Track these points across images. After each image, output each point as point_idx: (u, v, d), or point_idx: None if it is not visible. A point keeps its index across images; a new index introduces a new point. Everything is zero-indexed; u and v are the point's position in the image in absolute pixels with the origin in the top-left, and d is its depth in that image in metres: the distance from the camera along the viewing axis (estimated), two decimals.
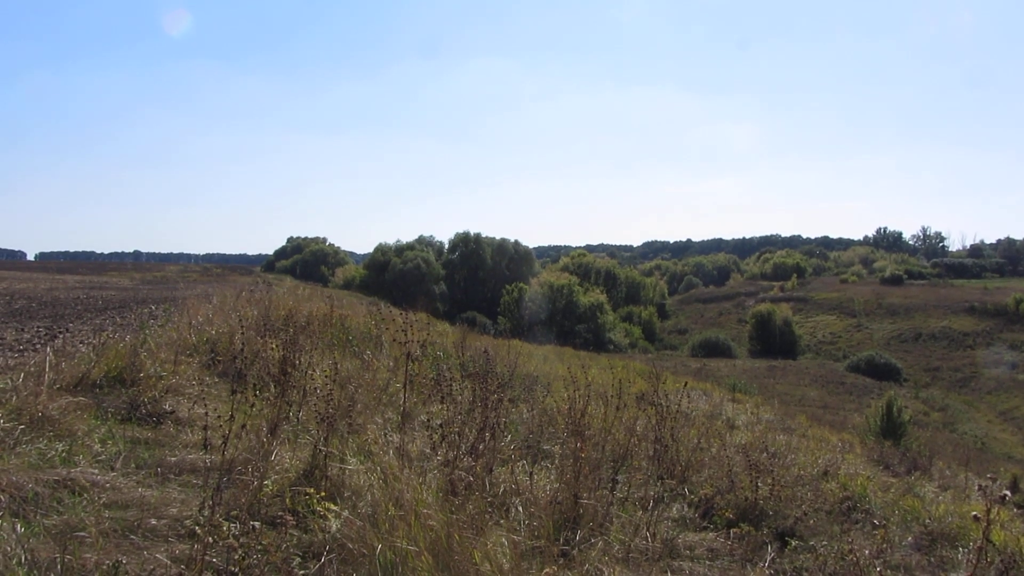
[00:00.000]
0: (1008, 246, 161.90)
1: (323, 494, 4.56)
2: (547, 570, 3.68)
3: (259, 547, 3.51)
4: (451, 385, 6.06)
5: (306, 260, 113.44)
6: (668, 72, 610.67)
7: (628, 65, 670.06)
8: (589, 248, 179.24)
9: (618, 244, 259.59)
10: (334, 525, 4.18)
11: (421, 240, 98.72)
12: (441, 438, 5.24)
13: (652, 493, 6.09)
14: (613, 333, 73.60)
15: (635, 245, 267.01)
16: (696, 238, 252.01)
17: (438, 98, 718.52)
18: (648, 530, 5.20)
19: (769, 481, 6.87)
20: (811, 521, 6.47)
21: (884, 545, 6.41)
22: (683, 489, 6.57)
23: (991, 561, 5.58)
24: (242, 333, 7.71)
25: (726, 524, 6.01)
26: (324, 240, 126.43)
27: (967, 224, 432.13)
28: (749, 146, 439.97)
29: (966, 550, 6.67)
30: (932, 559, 6.55)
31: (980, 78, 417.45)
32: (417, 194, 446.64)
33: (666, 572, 4.81)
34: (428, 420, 5.57)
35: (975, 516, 2.85)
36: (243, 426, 5.01)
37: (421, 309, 23.15)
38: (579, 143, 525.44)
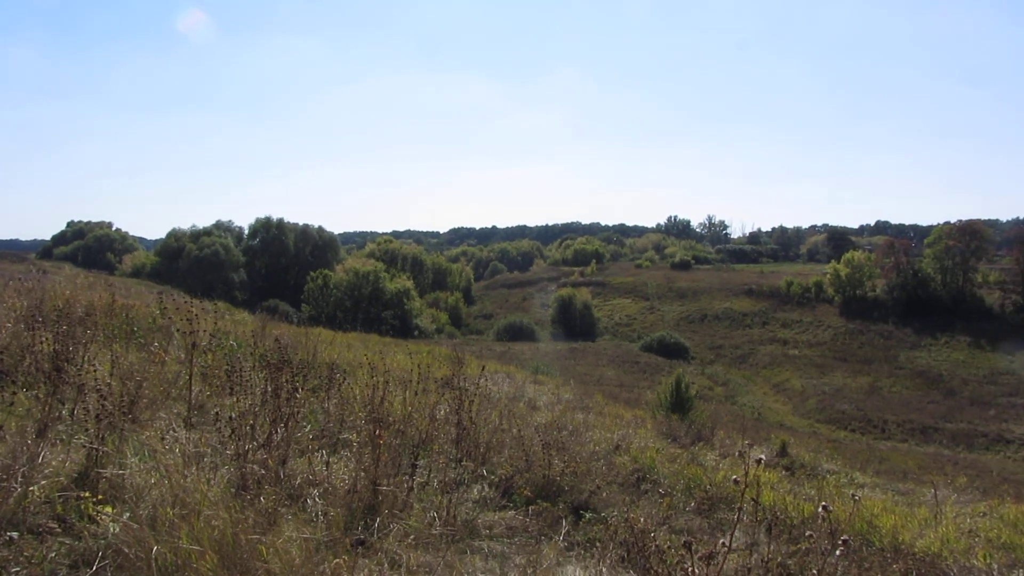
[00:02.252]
0: (781, 234, 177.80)
1: (99, 497, 4.22)
2: (337, 560, 3.60)
3: (21, 559, 3.20)
4: (243, 376, 5.79)
5: (89, 246, 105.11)
6: (476, 60, 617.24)
7: (436, 51, 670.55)
8: (396, 235, 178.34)
9: (425, 231, 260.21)
10: (111, 530, 3.88)
11: (219, 225, 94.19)
12: (231, 431, 4.99)
13: (453, 476, 6.15)
14: (420, 319, 73.71)
15: (442, 232, 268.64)
16: (501, 225, 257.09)
17: (239, 78, 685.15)
18: (448, 512, 5.24)
19: (566, 458, 7.13)
20: (604, 494, 6.78)
21: (669, 512, 6.84)
22: (484, 470, 6.67)
23: (760, 519, 6.10)
24: (10, 326, 6.99)
25: (525, 502, 6.18)
26: (110, 225, 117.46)
27: (747, 213, 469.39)
28: (554, 135, 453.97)
29: (742, 511, 7.24)
30: (711, 521, 7.06)
31: (763, 76, 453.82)
32: (216, 179, 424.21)
33: (465, 552, 4.86)
34: (218, 413, 5.30)
35: (735, 480, 3.11)
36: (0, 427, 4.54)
37: (219, 297, 22.03)
38: (387, 128, 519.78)
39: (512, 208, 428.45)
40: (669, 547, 4.50)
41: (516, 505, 6.15)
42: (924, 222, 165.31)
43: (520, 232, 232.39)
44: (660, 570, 4.33)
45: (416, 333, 66.82)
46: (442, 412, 7.78)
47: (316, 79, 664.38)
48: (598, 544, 5.42)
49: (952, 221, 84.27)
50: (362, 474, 5.07)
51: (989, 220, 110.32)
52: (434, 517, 5.09)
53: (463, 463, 6.52)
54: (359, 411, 7.01)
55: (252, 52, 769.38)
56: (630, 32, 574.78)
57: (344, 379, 7.98)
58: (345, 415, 7.06)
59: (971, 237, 78.68)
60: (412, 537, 4.62)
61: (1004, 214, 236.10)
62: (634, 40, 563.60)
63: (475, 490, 6.28)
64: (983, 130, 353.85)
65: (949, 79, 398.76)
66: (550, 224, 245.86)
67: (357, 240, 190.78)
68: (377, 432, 5.19)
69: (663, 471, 8.51)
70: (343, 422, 6.96)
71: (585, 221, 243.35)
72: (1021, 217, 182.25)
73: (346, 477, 5.26)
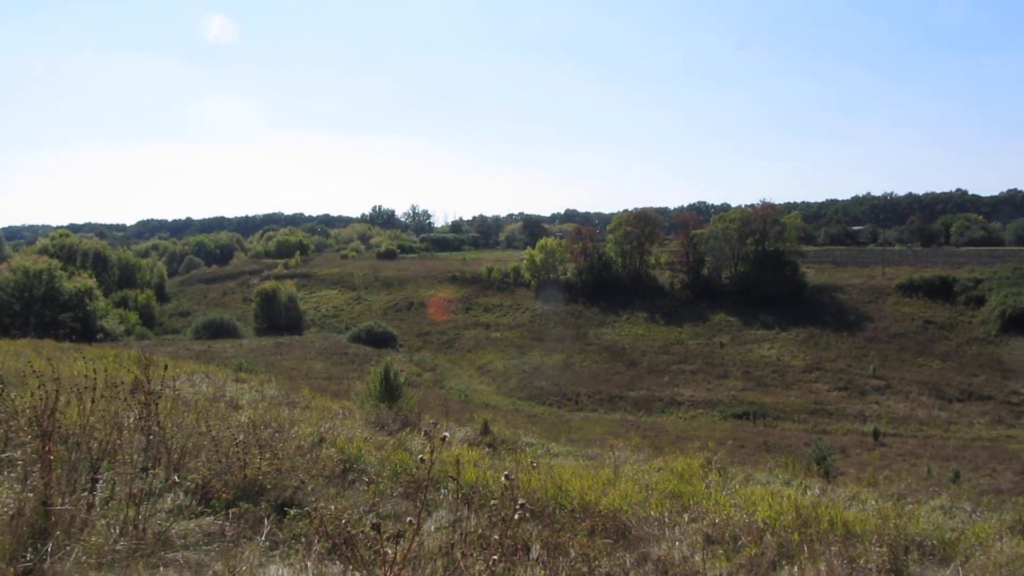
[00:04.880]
0: (482, 222, 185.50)
1: None
2: None
3: None
4: None
5: None
6: (157, 39, 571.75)
7: (110, 26, 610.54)
8: (74, 228, 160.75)
9: (109, 223, 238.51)
10: None
11: None
12: None
13: (142, 487, 5.71)
14: (106, 320, 67.39)
15: (129, 224, 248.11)
16: (197, 216, 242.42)
17: None
18: (137, 526, 4.86)
19: (268, 456, 6.91)
20: (310, 488, 6.65)
21: (376, 499, 6.90)
22: (177, 477, 6.27)
23: (463, 495, 6.35)
24: None
25: (225, 505, 5.90)
26: None
27: (449, 203, 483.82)
28: (251, 122, 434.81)
29: (446, 490, 7.49)
30: (417, 503, 7.22)
31: (466, 67, 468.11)
32: None
33: (157, 566, 4.55)
34: None
35: (421, 458, 3.22)
36: None
37: None
38: (58, 110, 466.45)
39: (209, 198, 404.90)
40: (362, 533, 4.54)
41: (216, 510, 5.86)
42: (607, 210, 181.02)
43: (218, 224, 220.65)
44: (367, 557, 4.35)
45: (101, 336, 60.96)
46: (131, 419, 7.19)
47: None
48: (304, 539, 5.33)
49: (629, 209, 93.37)
50: (30, 495, 4.54)
51: (660, 208, 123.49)
52: (119, 533, 4.70)
53: (153, 471, 6.07)
54: (26, 426, 6.25)
55: None
56: (324, 13, 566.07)
57: (6, 391, 7.08)
58: (9, 432, 6.26)
59: (645, 223, 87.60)
60: (94, 557, 4.23)
61: (671, 202, 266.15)
62: (324, 22, 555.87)
63: (169, 499, 5.88)
64: (648, 133, 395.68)
65: (600, 83, 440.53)
66: (251, 215, 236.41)
67: (26, 235, 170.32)
68: (47, 447, 4.67)
69: (371, 459, 8.53)
70: (7, 440, 6.17)
71: (288, 211, 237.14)
72: (685, 205, 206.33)
73: (10, 501, 4.68)
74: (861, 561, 5.99)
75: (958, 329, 64.69)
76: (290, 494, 6.43)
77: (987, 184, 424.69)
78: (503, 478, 3.62)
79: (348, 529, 4.45)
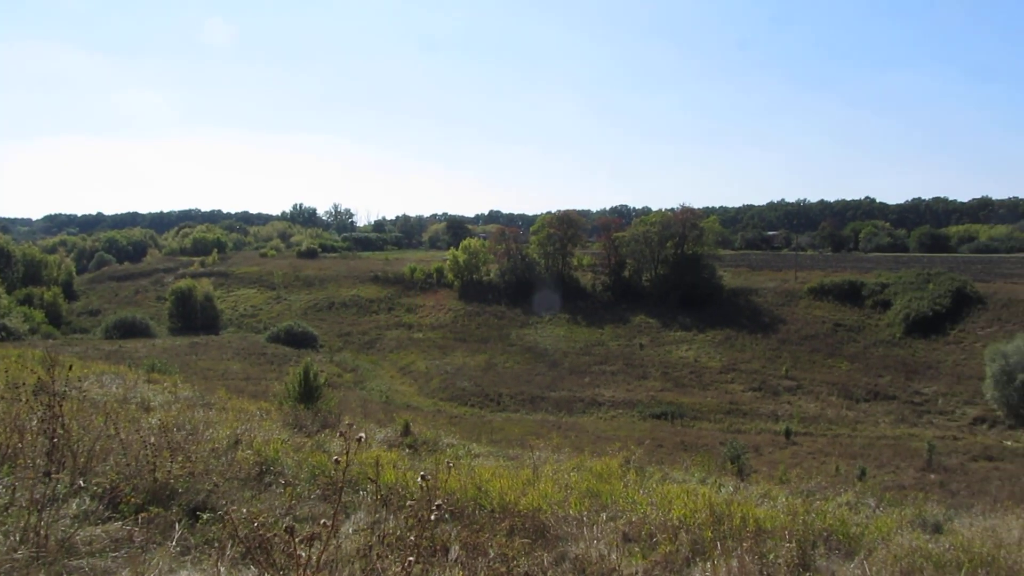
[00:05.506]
0: (405, 222, 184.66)
1: None
2: None
3: None
4: None
5: None
6: (68, 28, 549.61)
7: (11, 13, 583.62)
8: None
9: (13, 217, 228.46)
10: None
11: None
12: None
13: (45, 492, 5.48)
14: (8, 319, 64.38)
15: (35, 219, 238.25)
16: (108, 212, 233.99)
17: None
18: (38, 533, 4.67)
19: (180, 459, 6.73)
20: (223, 491, 6.52)
21: (293, 501, 6.78)
22: (83, 482, 6.04)
23: (382, 496, 6.30)
24: None
25: (134, 510, 5.71)
26: None
27: (372, 202, 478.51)
28: (167, 116, 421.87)
29: (365, 492, 7.42)
30: (335, 506, 7.13)
31: (390, 70, 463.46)
32: None
33: (61, 574, 4.38)
34: None
35: (335, 460, 3.19)
36: None
37: None
38: None
39: (121, 193, 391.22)
40: (277, 536, 4.46)
41: (124, 515, 5.67)
42: (531, 212, 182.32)
43: (131, 219, 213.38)
44: (281, 561, 4.28)
45: (3, 335, 58.25)
46: (34, 422, 6.89)
47: None
48: (216, 544, 5.21)
49: (553, 211, 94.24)
50: None
51: (583, 210, 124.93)
52: (19, 540, 4.50)
53: (56, 476, 5.84)
54: None
55: None
56: (244, 10, 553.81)
57: None
58: None
59: (568, 226, 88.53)
60: None
61: (594, 205, 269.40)
62: (244, 19, 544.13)
63: (74, 504, 5.66)
64: (572, 135, 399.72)
65: (525, 84, 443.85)
66: (166, 211, 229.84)
67: None
68: None
69: (288, 462, 8.40)
70: None
71: (205, 208, 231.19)
72: (607, 208, 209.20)
73: None
74: (771, 556, 6.18)
75: (865, 332, 67.27)
76: (203, 498, 6.27)
77: (893, 193, 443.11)
78: (420, 479, 3.60)
79: (262, 533, 4.38)
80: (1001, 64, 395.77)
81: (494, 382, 57.90)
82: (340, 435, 3.37)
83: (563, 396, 54.15)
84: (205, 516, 5.89)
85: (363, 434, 3.29)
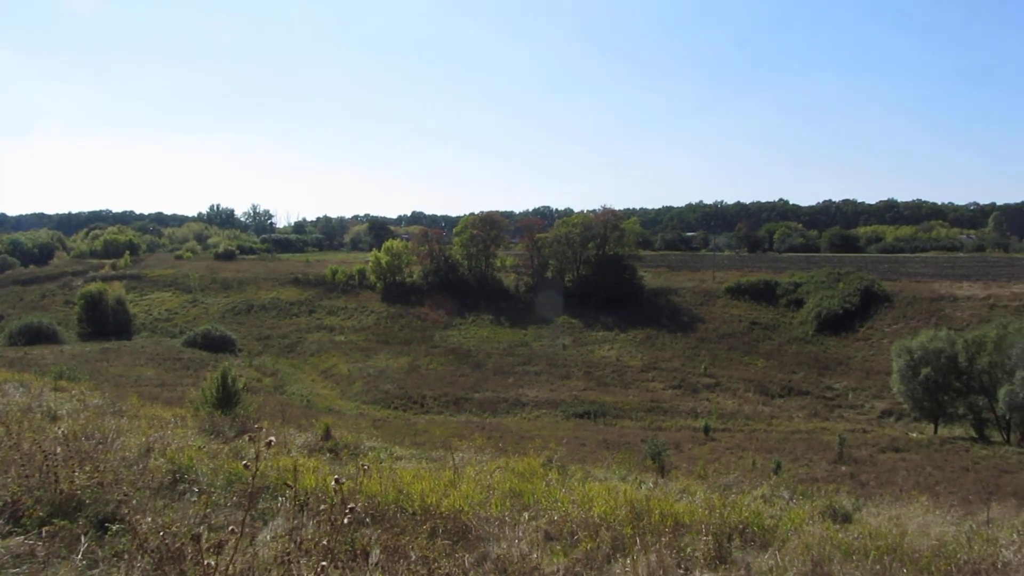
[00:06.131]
0: (326, 223, 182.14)
1: None
2: None
3: None
4: None
5: None
6: None
7: None
8: None
9: None
10: None
11: None
12: None
13: None
14: None
15: None
16: (12, 212, 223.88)
17: None
18: None
19: (88, 468, 6.49)
20: (134, 501, 6.30)
21: (207, 510, 6.61)
22: None
23: (299, 502, 6.20)
24: None
25: (38, 523, 5.48)
26: None
27: (292, 203, 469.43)
28: (75, 115, 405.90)
29: (284, 498, 7.27)
30: (253, 513, 6.97)
31: (306, 67, 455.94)
32: None
33: None
34: None
35: (245, 464, 3.13)
36: None
37: None
38: None
39: (26, 194, 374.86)
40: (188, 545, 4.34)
41: (27, 529, 5.43)
42: (454, 213, 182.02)
43: (36, 221, 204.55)
44: (193, 573, 4.16)
45: None
46: None
47: None
48: (126, 556, 5.04)
49: (476, 212, 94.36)
50: None
51: (505, 212, 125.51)
52: None
53: None
54: None
55: None
56: (158, 9, 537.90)
57: None
58: None
59: (491, 227, 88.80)
60: None
61: (517, 206, 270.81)
62: (160, 17, 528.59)
63: None
64: (495, 137, 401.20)
65: (447, 85, 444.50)
66: (74, 212, 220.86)
67: None
68: None
69: (203, 469, 8.18)
70: None
71: (116, 209, 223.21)
72: (530, 209, 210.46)
73: None
74: (688, 550, 6.32)
75: (780, 329, 69.43)
76: (112, 509, 6.05)
77: (805, 195, 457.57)
78: (334, 482, 3.55)
79: (173, 543, 4.25)
80: (904, 68, 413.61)
81: (418, 384, 57.59)
82: (249, 439, 3.30)
83: (487, 397, 54.21)
84: (114, 528, 5.69)
85: (272, 438, 3.22)
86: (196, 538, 3.05)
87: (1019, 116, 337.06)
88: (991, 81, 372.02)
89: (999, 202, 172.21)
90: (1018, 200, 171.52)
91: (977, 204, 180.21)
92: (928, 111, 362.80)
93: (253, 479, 3.04)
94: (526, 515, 7.37)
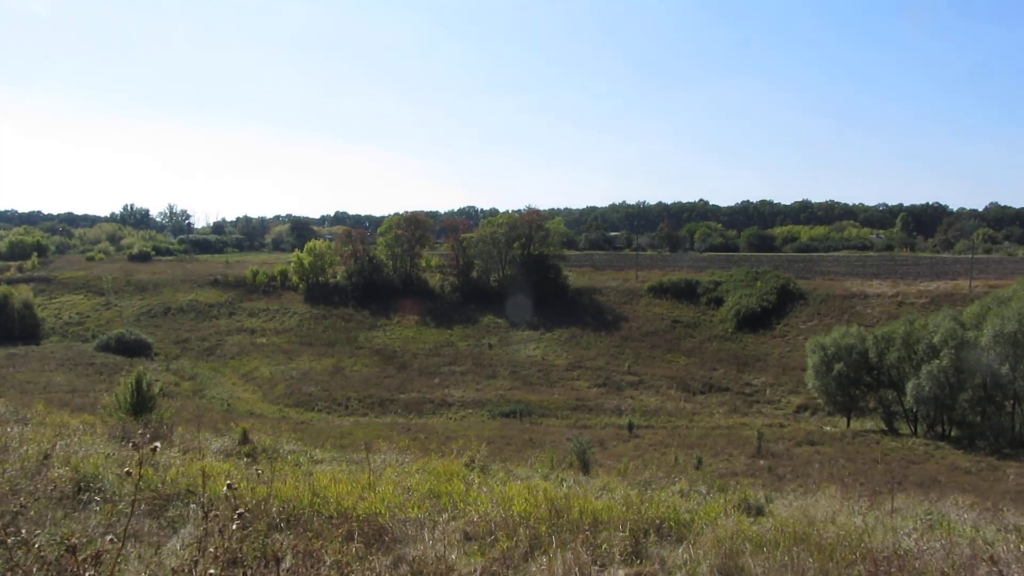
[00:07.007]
0: (246, 223, 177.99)
1: None
2: None
3: None
4: None
5: None
6: None
7: None
8: None
9: None
10: None
11: None
12: None
13: None
14: None
15: None
16: None
17: None
18: None
19: None
20: (32, 512, 6.05)
21: (113, 519, 6.39)
22: None
23: (208, 508, 6.02)
24: None
25: None
26: None
27: (211, 203, 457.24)
28: None
29: (197, 505, 7.08)
30: (162, 521, 6.77)
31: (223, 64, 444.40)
32: None
33: None
34: None
35: (127, 472, 3.02)
36: None
37: None
38: None
39: None
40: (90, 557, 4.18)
41: None
42: (378, 213, 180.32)
43: None
44: None
45: None
46: None
47: None
48: (21, 570, 4.81)
49: (401, 212, 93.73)
50: None
51: (430, 211, 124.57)
52: None
53: None
54: None
55: None
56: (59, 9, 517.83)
57: None
58: None
59: (416, 227, 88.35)
60: None
61: (442, 206, 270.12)
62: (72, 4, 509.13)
63: None
64: (419, 136, 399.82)
65: (370, 84, 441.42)
66: None
67: None
68: None
69: (110, 477, 7.90)
70: None
71: (23, 209, 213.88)
72: (455, 209, 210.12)
73: None
74: (605, 547, 6.38)
75: (701, 327, 70.94)
76: (8, 520, 5.78)
77: (724, 195, 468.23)
78: (226, 488, 3.46)
79: (69, 556, 4.07)
80: (818, 70, 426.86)
81: (342, 386, 56.90)
82: (132, 445, 3.18)
83: (413, 398, 53.92)
84: (9, 540, 5.44)
85: (157, 444, 3.11)
86: (71, 549, 2.92)
87: (925, 123, 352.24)
88: (899, 87, 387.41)
89: (906, 203, 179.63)
90: (923, 201, 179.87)
91: (886, 205, 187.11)
92: (840, 114, 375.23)
93: (136, 487, 2.93)
94: (445, 516, 7.35)
